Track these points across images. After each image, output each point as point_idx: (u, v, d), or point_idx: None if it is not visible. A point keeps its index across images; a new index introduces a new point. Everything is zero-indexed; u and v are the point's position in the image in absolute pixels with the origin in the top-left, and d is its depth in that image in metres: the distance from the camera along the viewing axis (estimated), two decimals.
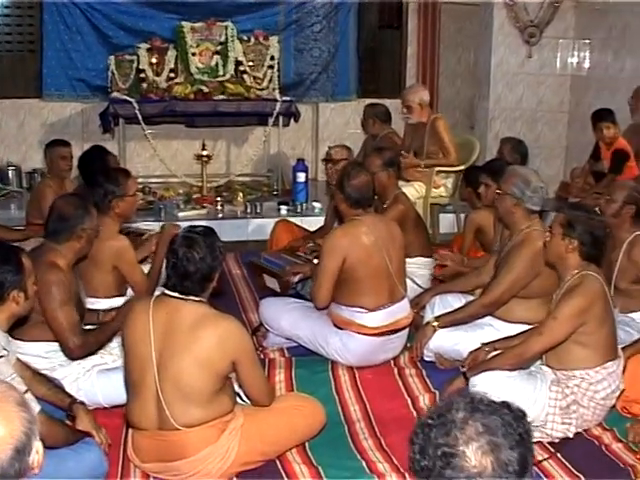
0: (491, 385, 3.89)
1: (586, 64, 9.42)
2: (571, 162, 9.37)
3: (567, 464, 3.85)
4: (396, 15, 10.35)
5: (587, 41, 9.34)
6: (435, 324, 4.79)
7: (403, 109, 7.65)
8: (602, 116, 7.35)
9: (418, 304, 5.20)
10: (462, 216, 7.35)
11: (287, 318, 4.94)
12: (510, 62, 9.53)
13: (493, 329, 4.74)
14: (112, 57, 8.78)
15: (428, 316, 5.02)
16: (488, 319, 4.83)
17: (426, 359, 4.94)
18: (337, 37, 9.77)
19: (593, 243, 3.99)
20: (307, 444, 3.90)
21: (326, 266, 4.67)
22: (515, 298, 4.68)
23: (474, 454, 1.68)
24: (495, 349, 4.34)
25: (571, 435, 4.05)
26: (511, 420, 1.74)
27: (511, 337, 4.39)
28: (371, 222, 4.76)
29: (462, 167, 7.49)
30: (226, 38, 8.85)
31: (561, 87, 9.73)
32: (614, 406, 4.27)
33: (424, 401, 4.44)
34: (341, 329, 4.74)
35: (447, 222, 8.17)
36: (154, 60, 8.70)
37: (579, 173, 7.82)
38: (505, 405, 1.79)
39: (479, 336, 4.64)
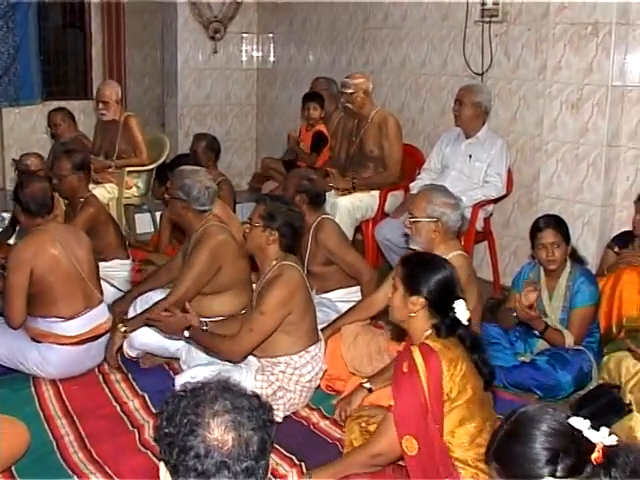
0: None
1: (271, 57, 9.65)
2: (262, 153, 9.59)
3: (279, 448, 3.93)
4: (79, 14, 10.10)
5: (270, 35, 9.57)
6: (123, 329, 4.72)
7: (99, 105, 7.50)
8: (312, 97, 7.74)
9: (121, 312, 5.07)
10: (158, 214, 7.33)
11: None
12: (197, 58, 9.53)
13: None
14: None
15: None
16: None
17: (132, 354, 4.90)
18: (17, 38, 9.23)
19: (292, 235, 4.12)
20: (14, 467, 3.71)
21: (13, 282, 4.50)
22: (209, 295, 4.75)
23: (217, 427, 1.76)
24: None
25: (280, 420, 4.15)
26: (257, 406, 1.85)
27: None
28: (54, 229, 4.66)
29: (153, 166, 7.49)
30: None
31: (248, 81, 9.89)
32: (319, 386, 4.45)
33: (134, 405, 4.40)
34: (39, 342, 4.57)
35: (144, 222, 8.07)
36: None
37: (270, 162, 8.18)
38: (255, 394, 1.89)
39: None
